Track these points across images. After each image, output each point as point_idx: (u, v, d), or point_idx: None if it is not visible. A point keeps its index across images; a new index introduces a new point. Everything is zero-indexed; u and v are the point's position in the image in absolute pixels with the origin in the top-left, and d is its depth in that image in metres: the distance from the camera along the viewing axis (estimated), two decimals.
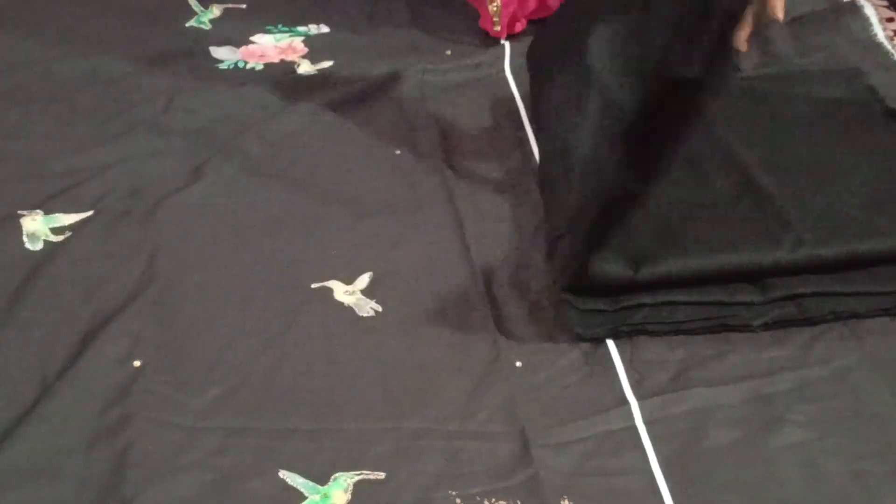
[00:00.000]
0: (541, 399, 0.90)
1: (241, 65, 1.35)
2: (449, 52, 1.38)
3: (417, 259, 1.05)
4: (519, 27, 1.40)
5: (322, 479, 0.83)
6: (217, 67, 1.35)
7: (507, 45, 1.39)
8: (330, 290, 1.01)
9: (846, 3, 1.45)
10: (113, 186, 1.11)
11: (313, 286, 1.01)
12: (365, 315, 0.98)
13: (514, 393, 0.90)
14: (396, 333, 0.97)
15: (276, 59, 1.36)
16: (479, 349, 0.95)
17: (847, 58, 1.35)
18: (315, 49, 1.38)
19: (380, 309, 0.99)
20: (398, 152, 1.20)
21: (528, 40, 1.36)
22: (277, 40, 1.39)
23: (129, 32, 1.40)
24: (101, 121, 1.23)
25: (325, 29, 1.43)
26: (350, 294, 1.00)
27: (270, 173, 1.16)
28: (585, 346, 0.95)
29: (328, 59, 1.36)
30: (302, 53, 1.37)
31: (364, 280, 1.02)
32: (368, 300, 1.00)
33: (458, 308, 0.99)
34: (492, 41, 1.40)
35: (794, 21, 1.41)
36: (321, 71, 1.34)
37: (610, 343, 0.96)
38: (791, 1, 1.44)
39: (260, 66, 1.35)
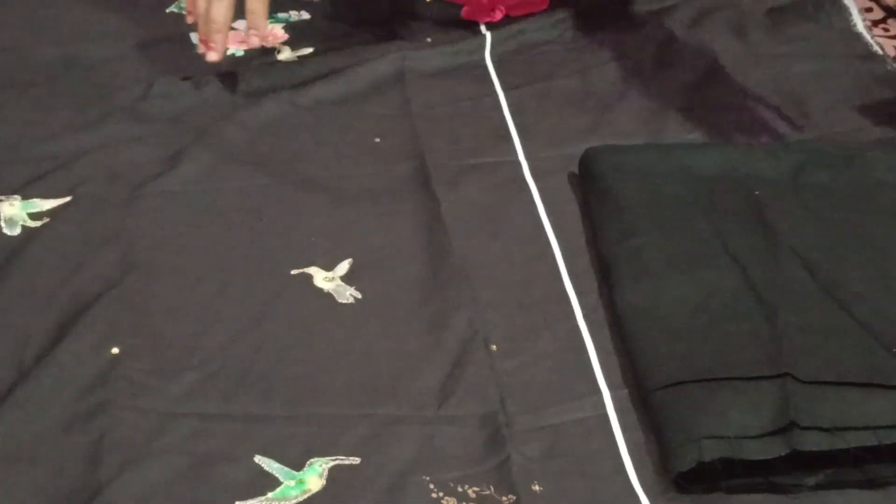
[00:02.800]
0: (515, 384, 0.91)
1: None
2: (429, 40, 1.38)
3: (397, 246, 1.05)
4: (498, 15, 1.41)
5: (297, 464, 0.84)
6: (197, 53, 1.34)
7: (487, 34, 1.39)
8: (310, 277, 1.01)
9: None
10: (91, 172, 1.11)
11: (293, 272, 1.01)
12: (344, 302, 0.99)
13: (489, 378, 0.91)
14: (375, 320, 0.97)
15: (256, 46, 1.36)
16: (455, 334, 0.96)
17: (826, 48, 1.37)
18: (295, 36, 1.38)
19: (359, 296, 1.00)
20: (377, 140, 1.20)
21: (508, 30, 1.38)
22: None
23: (108, 18, 1.40)
24: (79, 107, 1.23)
25: (305, 16, 1.43)
26: (330, 280, 1.01)
27: (249, 160, 1.16)
28: (560, 333, 0.96)
29: (308, 45, 1.36)
30: (283, 40, 1.38)
31: (344, 267, 1.02)
32: (348, 287, 1.00)
33: (436, 294, 1.00)
34: (473, 30, 1.40)
35: (772, 11, 1.42)
36: (301, 58, 1.34)
37: (584, 332, 0.97)
38: None
39: (240, 52, 1.35)
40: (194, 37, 1.34)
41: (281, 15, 1.42)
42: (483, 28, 1.41)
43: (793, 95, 1.28)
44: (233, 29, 1.38)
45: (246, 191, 1.12)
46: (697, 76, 1.31)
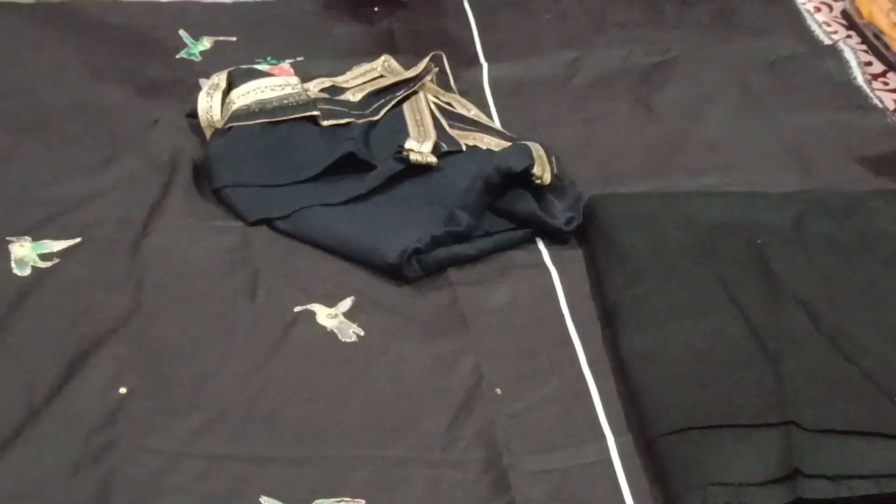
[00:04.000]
0: (519, 428, 0.92)
1: None
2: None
3: (398, 284, 1.07)
4: None
5: None
6: None
7: (484, 65, 1.42)
8: (313, 314, 1.02)
9: (826, 46, 1.49)
10: (101, 214, 1.12)
11: (296, 309, 1.02)
12: (347, 340, 1.00)
13: (494, 421, 0.92)
14: (378, 359, 0.98)
15: None
16: (460, 376, 0.96)
17: (828, 101, 1.39)
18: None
19: (362, 333, 1.01)
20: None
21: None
22: (266, 66, 1.41)
23: (119, 63, 1.41)
24: (89, 149, 1.24)
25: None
26: (333, 317, 1.02)
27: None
28: (566, 377, 0.97)
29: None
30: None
31: (346, 304, 1.03)
32: (351, 324, 1.01)
33: (441, 336, 1.01)
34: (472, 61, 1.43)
35: (774, 64, 1.44)
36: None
37: (589, 377, 0.97)
38: (771, 44, 1.49)
39: None
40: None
41: (288, 61, 1.43)
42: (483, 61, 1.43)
43: (795, 146, 1.29)
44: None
45: (247, 231, 1.13)
46: (701, 125, 1.33)
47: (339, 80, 1.32)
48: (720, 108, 1.35)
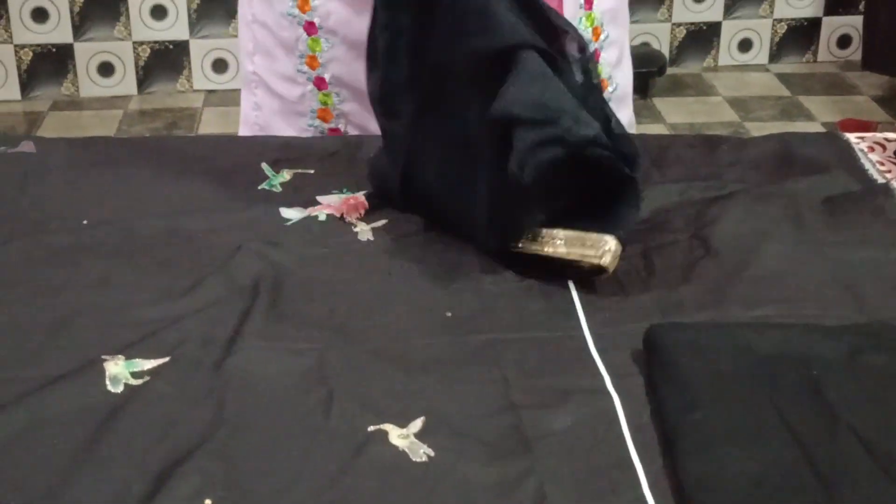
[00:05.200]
0: None
1: (306, 218, 1.45)
2: None
3: (466, 410, 1.12)
4: None
5: None
6: (285, 225, 1.45)
7: None
8: (385, 433, 1.07)
9: (880, 185, 1.54)
10: (188, 335, 1.20)
11: (369, 429, 1.08)
12: (418, 460, 1.05)
13: None
14: (446, 480, 1.03)
15: (337, 213, 1.46)
16: (524, 497, 1.00)
17: (882, 236, 1.43)
18: (376, 205, 1.48)
19: (431, 454, 1.06)
20: (449, 314, 1.28)
21: None
22: (341, 196, 1.50)
23: (204, 193, 1.51)
24: (177, 274, 1.32)
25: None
26: (404, 438, 1.07)
27: (327, 325, 1.24)
28: (627, 499, 1.01)
29: (384, 217, 1.46)
30: (363, 209, 1.47)
31: (417, 424, 1.09)
32: (421, 444, 1.06)
33: (505, 456, 1.06)
34: None
35: (827, 200, 1.49)
36: (375, 229, 1.44)
37: (650, 500, 1.01)
38: (826, 182, 1.55)
39: (322, 217, 1.46)
40: (284, 211, 1.45)
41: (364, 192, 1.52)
42: None
43: (849, 281, 1.34)
44: (317, 204, 1.49)
45: (324, 353, 1.19)
46: (756, 259, 1.38)
47: None
48: (775, 242, 1.41)
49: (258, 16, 1.59)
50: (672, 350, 1.17)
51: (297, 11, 1.66)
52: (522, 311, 1.29)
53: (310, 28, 1.67)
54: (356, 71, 1.63)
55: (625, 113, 1.81)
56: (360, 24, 1.55)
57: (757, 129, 3.01)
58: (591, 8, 1.70)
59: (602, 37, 1.74)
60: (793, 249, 1.40)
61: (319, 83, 1.71)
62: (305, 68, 1.70)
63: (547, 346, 1.22)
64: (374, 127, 1.58)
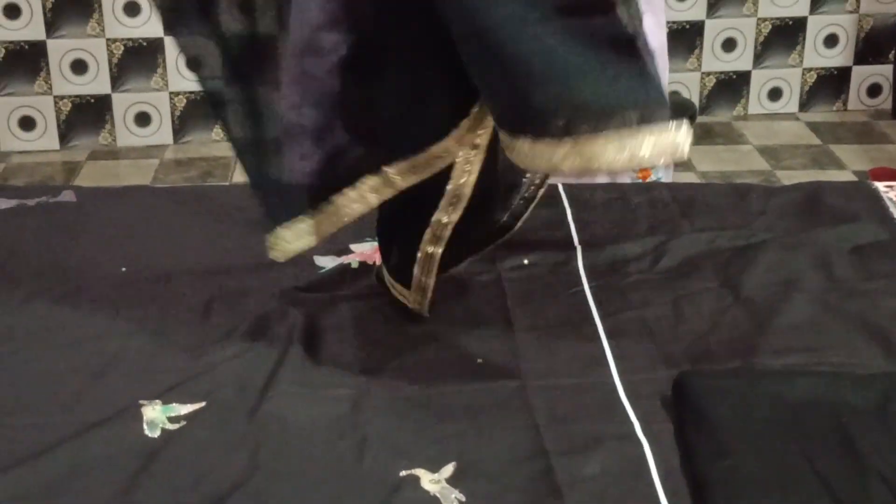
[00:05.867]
0: None
1: (339, 266, 1.47)
2: (526, 262, 1.49)
3: (498, 456, 1.13)
4: None
5: None
6: (319, 273, 1.47)
7: (578, 248, 1.51)
8: (417, 478, 1.09)
9: None
10: (223, 381, 1.22)
11: (401, 474, 1.09)
12: None
13: None
14: None
15: (370, 261, 1.48)
16: None
17: None
18: None
19: (463, 499, 1.07)
20: (480, 361, 1.30)
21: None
22: (373, 244, 1.52)
23: (240, 241, 1.54)
24: (213, 321, 1.35)
25: None
26: (435, 483, 1.08)
27: (359, 371, 1.26)
28: None
29: None
30: None
31: (449, 469, 1.10)
32: (453, 489, 1.07)
33: (536, 502, 1.06)
34: (566, 253, 1.51)
35: (856, 249, 1.50)
36: None
37: None
38: (854, 230, 1.55)
39: (356, 264, 1.48)
40: (318, 259, 1.48)
41: None
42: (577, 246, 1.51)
43: (878, 330, 1.34)
44: (351, 252, 1.51)
45: (357, 400, 1.21)
46: (786, 307, 1.39)
47: None
48: (804, 291, 1.41)
49: (308, 68, 1.59)
50: (702, 397, 1.18)
51: None
52: (553, 358, 1.30)
53: None
54: None
55: None
56: None
57: (787, 178, 3.01)
58: None
59: None
60: (822, 298, 1.41)
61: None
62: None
63: (577, 393, 1.23)
64: None
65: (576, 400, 1.23)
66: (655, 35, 1.72)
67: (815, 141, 3.46)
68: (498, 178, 1.31)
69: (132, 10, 3.23)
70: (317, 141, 1.31)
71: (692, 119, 4.05)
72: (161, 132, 3.55)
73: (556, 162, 1.08)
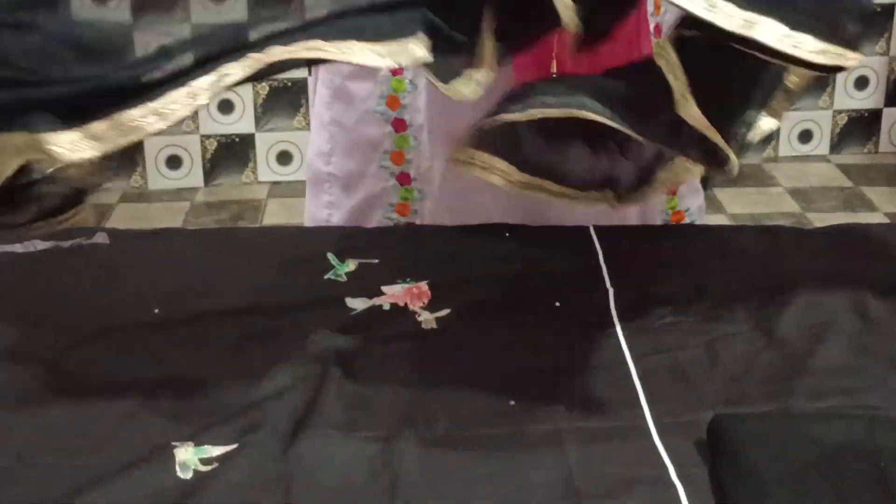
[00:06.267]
0: None
1: (371, 307, 1.47)
2: (557, 304, 1.49)
3: (530, 498, 1.12)
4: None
5: None
6: (350, 315, 1.47)
7: (611, 290, 1.49)
8: None
9: None
10: (255, 423, 1.22)
11: None
12: None
13: None
14: None
15: (401, 302, 1.48)
16: None
17: None
18: (438, 294, 1.50)
19: None
20: (512, 403, 1.29)
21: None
22: (405, 286, 1.52)
23: (272, 282, 1.55)
24: (245, 363, 1.35)
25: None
26: None
27: (392, 413, 1.26)
28: None
29: (447, 306, 1.48)
30: (426, 299, 1.49)
31: None
32: None
33: None
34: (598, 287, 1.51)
35: (890, 291, 1.49)
36: (439, 318, 1.46)
37: None
38: (889, 271, 1.54)
39: (387, 306, 1.48)
40: (349, 301, 1.48)
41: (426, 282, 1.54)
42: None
43: None
44: (382, 294, 1.52)
45: (390, 441, 1.20)
46: (820, 349, 1.38)
47: None
48: (839, 332, 1.40)
49: (337, 117, 1.62)
50: (736, 440, 1.17)
51: (385, 109, 1.70)
52: (586, 401, 1.29)
53: (398, 125, 1.71)
54: (441, 167, 1.67)
55: (695, 199, 1.82)
56: (449, 122, 1.59)
57: (819, 220, 3.00)
58: (660, 35, 1.70)
59: None
60: (857, 340, 1.39)
61: (403, 179, 1.74)
62: (389, 164, 1.73)
63: (610, 435, 1.23)
64: (446, 221, 1.63)
65: (609, 443, 1.22)
66: None
67: (847, 183, 3.46)
68: None
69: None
70: None
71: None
72: (192, 175, 3.59)
73: None
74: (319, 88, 1.74)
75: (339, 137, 1.74)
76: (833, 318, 1.44)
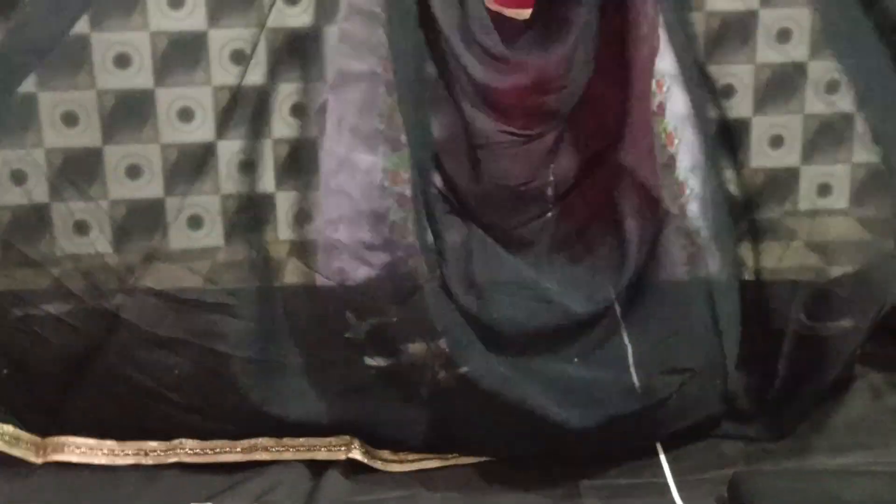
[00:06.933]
0: None
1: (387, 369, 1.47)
2: (576, 360, 1.48)
3: None
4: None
5: None
6: (370, 373, 1.47)
7: (629, 347, 1.49)
8: None
9: None
10: (275, 481, 1.22)
11: None
12: None
13: None
14: None
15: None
16: None
17: None
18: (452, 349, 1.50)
19: None
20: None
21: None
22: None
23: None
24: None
25: None
26: None
27: (409, 474, 1.27)
28: None
29: (464, 364, 1.48)
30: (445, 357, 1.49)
31: None
32: None
33: None
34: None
35: None
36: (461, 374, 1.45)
37: None
38: None
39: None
40: (368, 361, 1.48)
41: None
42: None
43: None
44: (401, 353, 1.51)
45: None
46: (841, 406, 1.37)
47: None
48: (860, 389, 1.39)
49: (342, 185, 1.61)
50: (757, 498, 1.16)
51: (388, 185, 1.70)
52: (606, 457, 1.29)
53: (402, 200, 1.70)
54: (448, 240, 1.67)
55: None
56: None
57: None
58: (663, 114, 1.70)
59: (675, 141, 1.73)
60: (879, 396, 1.38)
61: (409, 250, 1.74)
62: (395, 238, 1.73)
63: (631, 492, 1.22)
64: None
65: (629, 499, 1.21)
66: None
67: (866, 236, 3.43)
68: None
69: (185, 115, 3.30)
70: None
71: None
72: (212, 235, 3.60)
73: None
74: (324, 158, 1.73)
75: (345, 207, 1.73)
76: (854, 373, 1.43)
